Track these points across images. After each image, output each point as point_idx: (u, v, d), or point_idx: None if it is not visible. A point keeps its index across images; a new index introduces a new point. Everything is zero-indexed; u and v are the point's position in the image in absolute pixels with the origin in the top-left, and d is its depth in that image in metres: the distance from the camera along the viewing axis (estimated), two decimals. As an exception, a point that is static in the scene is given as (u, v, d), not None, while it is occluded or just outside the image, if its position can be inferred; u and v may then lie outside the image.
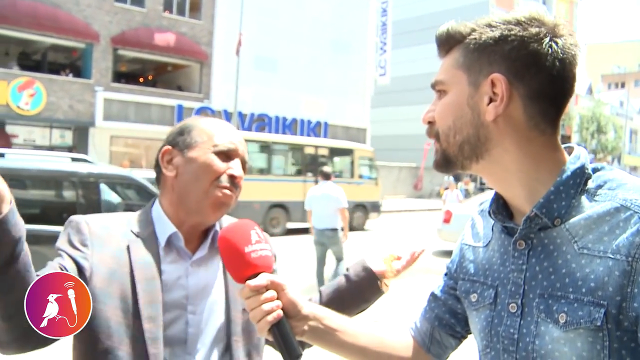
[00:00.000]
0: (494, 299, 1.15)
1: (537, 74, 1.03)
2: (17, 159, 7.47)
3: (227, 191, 1.50)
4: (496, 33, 1.06)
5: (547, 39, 1.03)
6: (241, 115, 27.29)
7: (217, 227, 1.59)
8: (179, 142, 1.54)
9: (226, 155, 1.52)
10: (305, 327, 1.21)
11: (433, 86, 1.17)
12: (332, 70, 32.58)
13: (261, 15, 29.16)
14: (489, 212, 1.19)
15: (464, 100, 1.09)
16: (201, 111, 27.01)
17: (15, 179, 6.40)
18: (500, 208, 1.18)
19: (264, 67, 29.94)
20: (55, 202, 7.09)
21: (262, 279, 1.15)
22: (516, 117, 1.06)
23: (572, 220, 1.03)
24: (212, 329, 1.50)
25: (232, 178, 1.51)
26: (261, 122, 29.29)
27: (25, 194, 7.08)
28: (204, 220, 1.52)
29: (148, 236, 1.50)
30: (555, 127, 1.09)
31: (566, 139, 47.66)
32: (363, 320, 1.38)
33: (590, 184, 1.06)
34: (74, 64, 27.38)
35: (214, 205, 1.48)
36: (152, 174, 1.67)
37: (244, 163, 1.58)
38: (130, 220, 1.53)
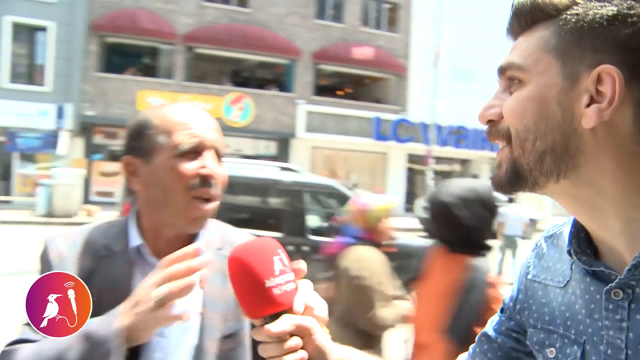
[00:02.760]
0: (581, 359, 0.89)
1: None
2: (232, 167, 7.89)
3: (202, 203, 1.30)
4: (610, 10, 0.77)
5: None
6: (439, 128, 26.89)
7: (201, 236, 1.38)
8: (137, 148, 1.34)
9: (194, 153, 1.30)
10: None
11: (502, 70, 0.90)
12: (535, 79, 30.89)
13: (457, 25, 28.56)
14: (569, 252, 0.91)
15: (553, 96, 0.82)
16: (399, 124, 27.05)
17: (230, 185, 6.73)
18: (583, 245, 0.90)
19: (461, 78, 29.24)
20: (262, 209, 7.36)
21: (286, 324, 0.93)
22: (622, 126, 0.79)
23: None
24: (182, 355, 1.30)
25: (205, 179, 1.30)
26: (459, 134, 28.55)
27: (236, 199, 7.42)
28: (183, 232, 1.35)
29: (120, 250, 1.34)
30: None
31: None
32: None
33: None
34: (278, 79, 28.95)
35: (191, 220, 1.30)
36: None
37: (219, 152, 1.36)
38: (108, 232, 1.38)
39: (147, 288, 1.04)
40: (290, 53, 26.56)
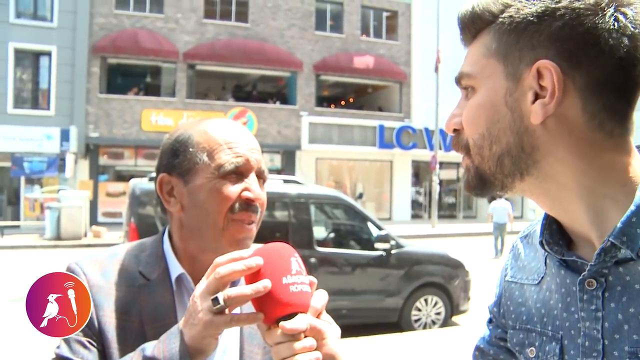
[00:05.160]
0: (560, 355, 0.88)
1: (598, 57, 0.77)
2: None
3: (245, 224, 1.22)
4: (539, 7, 0.80)
5: (610, 10, 0.77)
6: (442, 133, 26.89)
7: None
8: (175, 166, 1.25)
9: (237, 173, 1.22)
10: None
11: (457, 81, 0.92)
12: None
13: (457, 29, 28.68)
14: (541, 243, 0.91)
15: (501, 99, 0.84)
16: (402, 130, 27.05)
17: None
18: (555, 236, 0.91)
19: (464, 83, 29.40)
20: (269, 222, 7.34)
21: (302, 322, 0.91)
22: (572, 117, 0.80)
23: None
24: None
25: (249, 203, 1.22)
26: (463, 138, 28.67)
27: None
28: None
29: (159, 277, 1.25)
30: (626, 126, 0.82)
31: None
32: None
33: None
34: (280, 92, 29.08)
35: (232, 244, 1.20)
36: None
37: (261, 174, 1.27)
38: (139, 257, 1.29)
39: (202, 294, 0.96)
40: (292, 65, 26.64)
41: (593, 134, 0.80)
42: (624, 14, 0.77)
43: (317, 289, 1.02)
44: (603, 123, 0.80)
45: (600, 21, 0.77)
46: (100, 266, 1.25)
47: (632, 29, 0.77)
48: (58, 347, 1.15)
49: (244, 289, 0.93)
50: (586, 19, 0.77)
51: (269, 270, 0.93)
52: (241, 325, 1.00)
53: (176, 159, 1.26)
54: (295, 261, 0.96)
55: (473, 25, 0.90)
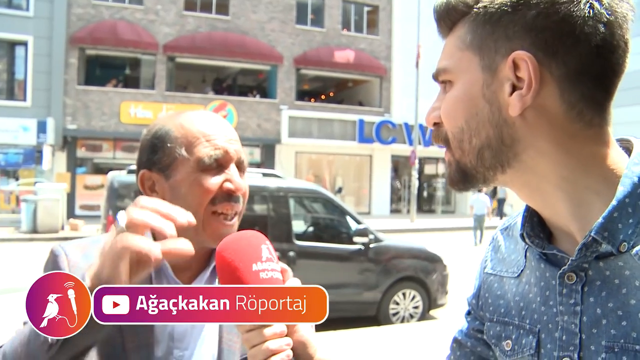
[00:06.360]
0: (536, 349, 0.88)
1: (575, 46, 0.77)
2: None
3: (226, 220, 1.23)
4: None
5: None
6: (422, 128, 27.00)
7: None
8: (155, 162, 1.26)
9: (217, 165, 1.23)
10: None
11: (435, 77, 0.90)
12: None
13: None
14: (522, 236, 0.91)
15: (478, 92, 0.83)
16: (382, 125, 27.13)
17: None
18: (536, 229, 0.90)
19: (443, 78, 29.58)
20: (248, 216, 7.33)
21: None
22: (551, 107, 0.80)
23: None
24: None
25: (231, 193, 1.23)
26: (442, 133, 28.87)
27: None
28: (203, 249, 1.26)
29: None
30: (605, 116, 0.81)
31: None
32: None
33: None
34: (260, 86, 28.99)
35: (215, 238, 1.20)
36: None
37: (240, 164, 1.27)
38: None
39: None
40: (272, 59, 26.57)
41: (572, 125, 0.80)
42: (599, 1, 0.77)
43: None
44: (582, 112, 0.79)
45: (575, 9, 0.76)
46: (83, 249, 1.26)
47: (607, 16, 0.77)
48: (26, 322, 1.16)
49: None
50: (561, 7, 0.77)
51: (238, 257, 0.94)
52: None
53: (155, 155, 1.26)
54: (266, 248, 0.97)
55: (448, 17, 0.88)
